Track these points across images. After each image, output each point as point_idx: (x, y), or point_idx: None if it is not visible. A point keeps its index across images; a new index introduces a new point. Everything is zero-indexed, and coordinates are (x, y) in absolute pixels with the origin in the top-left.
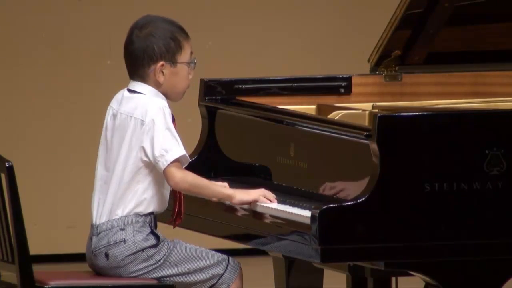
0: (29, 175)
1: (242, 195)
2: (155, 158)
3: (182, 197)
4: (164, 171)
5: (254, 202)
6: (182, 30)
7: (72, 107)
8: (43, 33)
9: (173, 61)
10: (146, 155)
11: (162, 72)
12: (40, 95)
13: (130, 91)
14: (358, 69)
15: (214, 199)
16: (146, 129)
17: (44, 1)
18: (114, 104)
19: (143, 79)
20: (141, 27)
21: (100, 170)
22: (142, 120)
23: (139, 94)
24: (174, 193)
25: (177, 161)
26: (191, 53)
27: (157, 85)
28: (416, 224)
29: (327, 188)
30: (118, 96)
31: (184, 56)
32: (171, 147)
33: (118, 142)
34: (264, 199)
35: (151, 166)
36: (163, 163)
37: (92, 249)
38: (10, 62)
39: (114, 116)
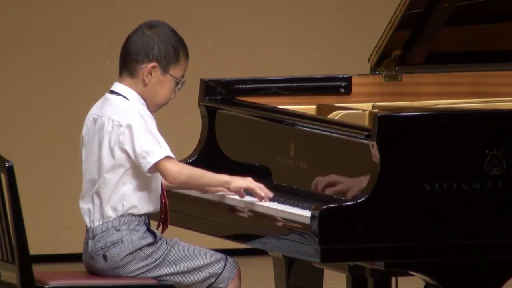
0: (29, 175)
1: (238, 181)
2: (138, 161)
3: (167, 204)
4: (159, 169)
5: (249, 189)
6: (186, 48)
7: (72, 107)
8: (43, 33)
9: (165, 69)
10: (130, 157)
11: (151, 74)
12: (40, 95)
13: (112, 92)
14: (358, 69)
15: (212, 189)
16: (124, 132)
17: (44, 1)
18: (93, 110)
19: (130, 74)
20: (150, 27)
21: (86, 175)
22: (119, 122)
23: (120, 97)
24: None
25: (169, 157)
26: (183, 75)
27: (142, 85)
28: (416, 224)
29: (327, 188)
30: (98, 103)
31: (176, 71)
32: (152, 149)
33: (98, 145)
34: (259, 191)
35: (138, 167)
36: (145, 165)
37: (89, 252)
38: (10, 62)
39: (95, 120)
